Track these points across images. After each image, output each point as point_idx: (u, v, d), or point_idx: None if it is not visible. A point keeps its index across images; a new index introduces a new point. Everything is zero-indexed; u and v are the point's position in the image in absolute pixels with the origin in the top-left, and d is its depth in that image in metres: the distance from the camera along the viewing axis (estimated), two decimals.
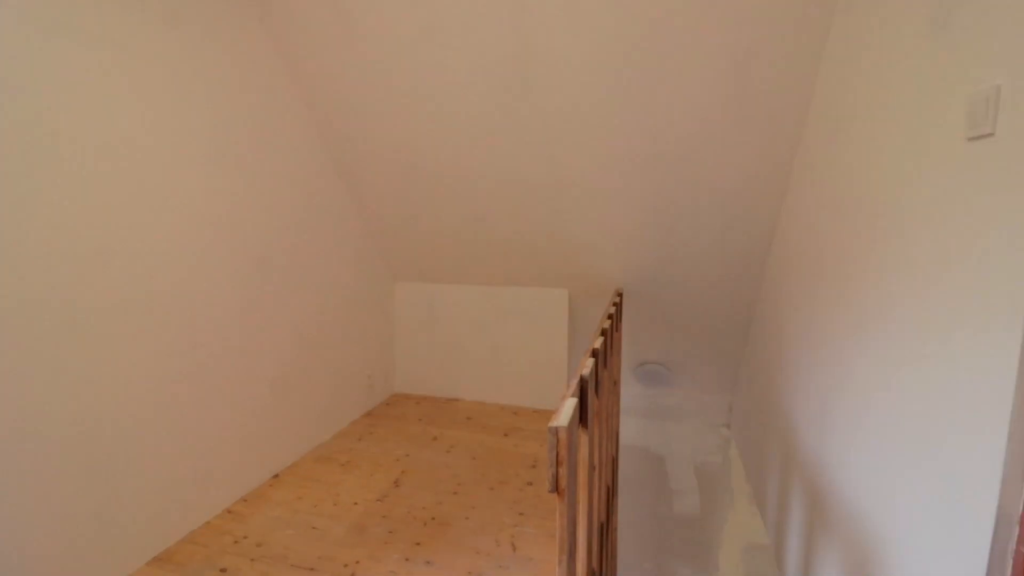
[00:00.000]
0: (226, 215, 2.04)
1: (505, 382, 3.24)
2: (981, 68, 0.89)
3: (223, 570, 1.73)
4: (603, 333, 1.89)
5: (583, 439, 1.32)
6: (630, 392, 3.49)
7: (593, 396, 1.44)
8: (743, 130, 2.04)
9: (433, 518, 2.05)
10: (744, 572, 2.70)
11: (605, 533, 1.93)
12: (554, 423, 1.06)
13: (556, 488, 1.07)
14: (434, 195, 2.70)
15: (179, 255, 1.85)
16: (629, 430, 3.52)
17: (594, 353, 1.62)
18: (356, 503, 2.14)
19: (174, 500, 1.86)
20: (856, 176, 1.43)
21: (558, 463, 1.06)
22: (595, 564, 1.59)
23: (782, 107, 1.94)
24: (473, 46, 2.03)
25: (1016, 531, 0.80)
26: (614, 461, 2.51)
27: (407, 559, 1.81)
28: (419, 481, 2.33)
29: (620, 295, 2.69)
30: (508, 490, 2.27)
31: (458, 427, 2.94)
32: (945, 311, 0.97)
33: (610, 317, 2.16)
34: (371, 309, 3.14)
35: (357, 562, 1.79)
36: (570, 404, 1.16)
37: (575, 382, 1.33)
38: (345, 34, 2.12)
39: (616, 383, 2.58)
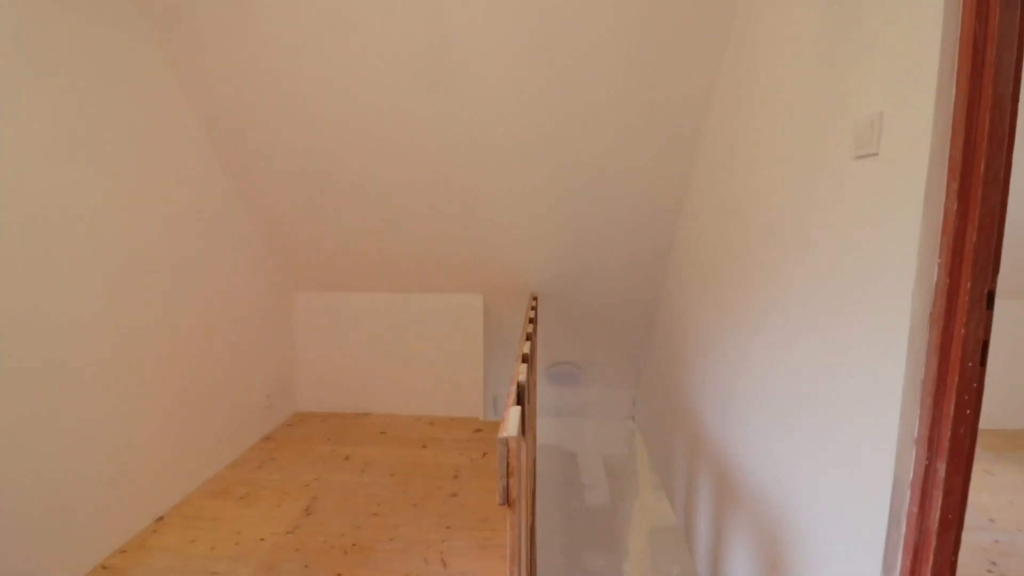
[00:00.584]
0: (89, 217, 1.72)
1: (419, 392, 3.14)
2: (866, 96, 1.03)
3: None
4: (528, 337, 1.90)
5: (522, 446, 1.30)
6: (542, 392, 3.57)
7: (527, 402, 1.44)
8: (649, 142, 2.18)
9: (354, 544, 1.91)
10: (652, 554, 2.88)
11: (531, 535, 1.94)
12: (503, 433, 1.03)
13: (507, 500, 1.04)
14: (341, 198, 2.53)
15: (29, 263, 1.52)
16: (542, 429, 3.60)
17: (524, 358, 1.62)
18: (262, 539, 1.92)
19: (32, 560, 1.52)
20: (755, 187, 1.59)
21: (509, 474, 1.03)
22: (526, 568, 1.57)
23: (682, 122, 2.10)
24: (384, 41, 1.93)
25: (909, 494, 0.94)
26: (534, 463, 2.54)
27: None
28: (334, 506, 2.16)
29: (535, 299, 2.74)
30: (432, 504, 2.18)
31: (371, 443, 2.78)
32: (841, 302, 1.11)
33: (531, 321, 2.18)
34: (267, 322, 2.86)
35: None
36: (515, 412, 1.14)
37: (514, 389, 1.32)
38: (237, 23, 1.90)
39: (535, 385, 2.62)
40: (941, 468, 0.90)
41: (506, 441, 1.02)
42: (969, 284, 0.84)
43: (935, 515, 0.90)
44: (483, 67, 1.99)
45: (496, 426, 3.01)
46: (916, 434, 0.92)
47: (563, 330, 3.17)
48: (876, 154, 0.99)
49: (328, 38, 1.94)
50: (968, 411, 0.87)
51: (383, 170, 2.39)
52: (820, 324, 1.19)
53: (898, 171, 0.94)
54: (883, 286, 0.97)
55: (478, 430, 2.96)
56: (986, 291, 0.84)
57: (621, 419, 3.84)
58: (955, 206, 0.85)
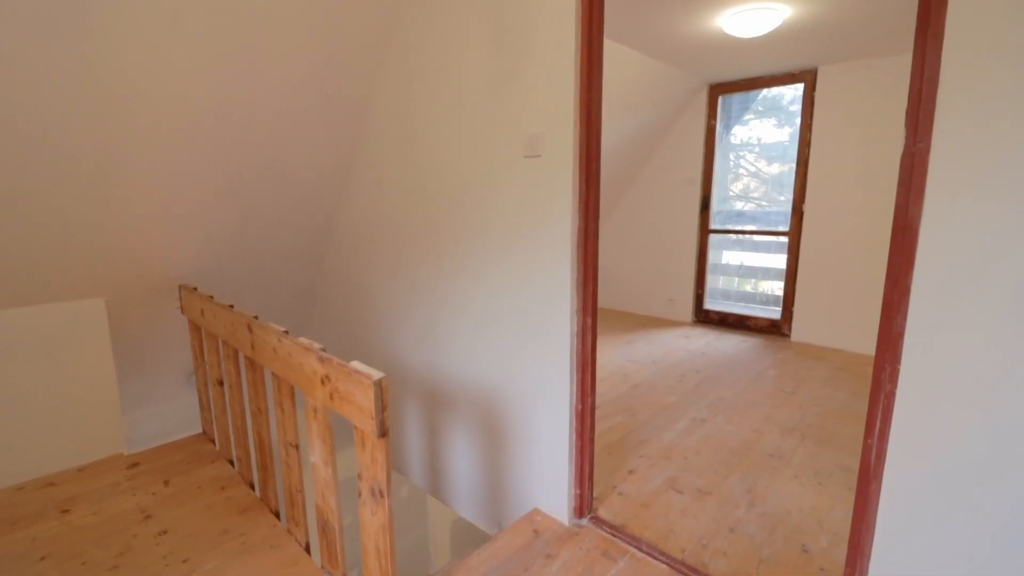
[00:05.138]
0: None
1: (12, 451, 2.18)
2: (532, 121, 1.73)
3: None
4: (256, 317, 1.84)
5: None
6: (189, 404, 3.09)
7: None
8: (318, 132, 2.35)
9: None
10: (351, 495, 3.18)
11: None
12: (375, 377, 1.22)
13: (384, 431, 1.25)
14: None
15: None
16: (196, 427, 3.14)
17: (287, 331, 1.64)
18: None
19: None
20: (442, 177, 2.12)
21: (384, 408, 1.25)
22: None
23: (348, 120, 2.39)
24: None
25: (576, 338, 1.75)
26: None
27: None
28: None
29: (195, 289, 2.42)
30: (141, 554, 1.77)
31: None
32: (525, 240, 1.82)
33: (232, 306, 2.03)
34: None
35: None
36: (358, 364, 1.31)
37: (316, 352, 1.42)
38: None
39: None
40: (588, 320, 1.75)
41: (380, 382, 1.23)
42: (593, 224, 1.68)
43: (589, 343, 1.76)
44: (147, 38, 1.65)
45: (159, 452, 2.50)
46: (577, 306, 1.74)
47: None
48: (540, 156, 1.72)
49: None
50: (594, 291, 1.74)
51: None
52: (510, 256, 1.89)
53: (552, 166, 1.69)
54: (553, 229, 1.73)
55: (135, 464, 2.38)
56: (596, 229, 1.71)
57: None
58: (583, 185, 1.66)
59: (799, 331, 4.14)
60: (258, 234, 2.63)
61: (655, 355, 3.86)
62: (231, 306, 2.05)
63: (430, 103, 2.13)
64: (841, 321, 3.90)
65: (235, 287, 2.81)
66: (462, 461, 2.31)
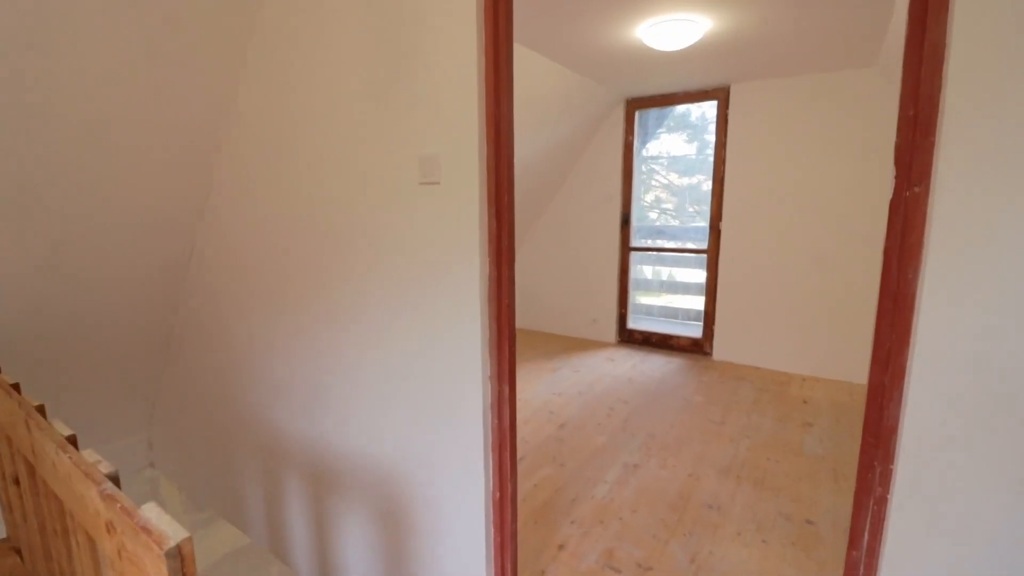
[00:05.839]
0: None
1: None
2: (426, 140, 1.35)
3: None
4: (41, 410, 1.30)
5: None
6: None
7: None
8: (157, 141, 1.82)
9: None
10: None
11: None
12: (173, 540, 0.79)
13: None
14: None
15: None
16: None
17: (73, 440, 1.14)
18: None
19: None
20: (328, 207, 1.68)
21: None
22: None
23: (199, 128, 1.87)
24: None
25: (491, 411, 1.40)
26: None
27: None
28: None
29: None
30: None
31: None
32: (432, 298, 1.44)
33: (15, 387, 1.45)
34: None
35: None
36: (154, 508, 0.86)
37: (105, 485, 0.95)
38: None
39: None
40: (505, 389, 1.40)
41: (179, 550, 0.79)
42: (506, 272, 1.34)
43: (508, 417, 1.41)
44: None
45: None
46: (491, 371, 1.39)
47: (41, 394, 2.19)
48: (439, 183, 1.35)
49: None
50: (511, 353, 1.39)
51: None
52: (412, 310, 1.49)
53: (451, 193, 1.33)
54: (459, 277, 1.36)
55: None
56: (512, 276, 1.36)
57: (136, 471, 3.08)
58: (493, 222, 1.31)
59: (720, 349, 4.09)
60: (83, 272, 2.01)
61: (581, 384, 3.61)
62: (15, 385, 1.47)
63: (307, 112, 1.69)
64: (759, 339, 3.89)
65: (55, 342, 2.15)
66: (358, 556, 1.86)
